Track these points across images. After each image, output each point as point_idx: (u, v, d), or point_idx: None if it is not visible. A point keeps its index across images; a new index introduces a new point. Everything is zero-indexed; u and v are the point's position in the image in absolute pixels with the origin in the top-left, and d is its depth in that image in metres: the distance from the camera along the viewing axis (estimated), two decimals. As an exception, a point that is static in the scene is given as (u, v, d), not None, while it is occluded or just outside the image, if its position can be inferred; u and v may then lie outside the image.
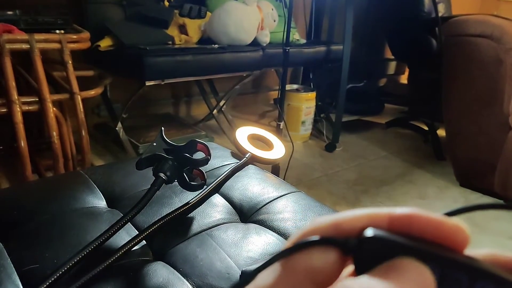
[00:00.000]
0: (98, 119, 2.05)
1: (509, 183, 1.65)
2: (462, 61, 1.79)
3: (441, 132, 2.14)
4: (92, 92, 1.37)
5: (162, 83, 1.62)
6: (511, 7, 3.69)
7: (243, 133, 0.92)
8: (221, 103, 2.19)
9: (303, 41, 2.17)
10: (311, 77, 2.49)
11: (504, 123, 1.63)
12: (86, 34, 1.30)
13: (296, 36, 2.12)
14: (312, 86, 2.35)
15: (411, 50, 2.49)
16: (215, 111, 2.21)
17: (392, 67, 3.07)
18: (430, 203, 1.71)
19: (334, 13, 2.52)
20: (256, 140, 0.94)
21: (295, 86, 2.30)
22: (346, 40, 2.03)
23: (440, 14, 2.41)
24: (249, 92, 2.63)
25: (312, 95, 2.17)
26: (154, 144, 0.63)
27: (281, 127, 1.72)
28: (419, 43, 2.43)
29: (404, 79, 3.13)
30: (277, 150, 0.92)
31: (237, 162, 0.83)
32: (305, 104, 2.14)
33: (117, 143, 1.85)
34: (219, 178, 0.74)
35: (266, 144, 0.96)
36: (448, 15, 2.51)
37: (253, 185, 0.77)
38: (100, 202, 0.69)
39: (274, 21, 1.89)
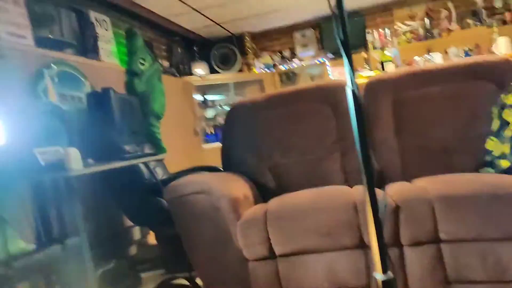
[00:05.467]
0: None
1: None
2: (190, 215, 2.01)
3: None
4: None
5: None
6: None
7: None
8: None
9: (31, 246, 1.98)
10: (52, 280, 2.25)
11: (242, 257, 1.88)
12: None
13: (21, 244, 1.92)
14: (57, 288, 2.11)
15: (146, 214, 2.64)
16: None
17: (136, 232, 3.15)
18: None
19: (60, 206, 2.45)
20: None
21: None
22: (80, 231, 1.98)
23: (161, 177, 2.71)
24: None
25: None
26: None
27: None
28: (151, 206, 2.62)
29: (153, 239, 3.23)
30: None
31: None
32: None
33: None
34: None
35: None
36: (168, 177, 2.83)
37: None
38: None
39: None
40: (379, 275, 0.66)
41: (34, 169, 1.99)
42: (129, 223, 2.96)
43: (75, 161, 1.92)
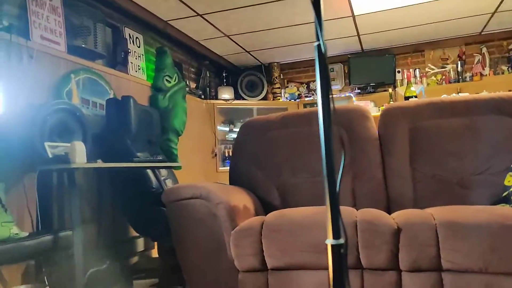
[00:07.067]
0: None
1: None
2: (186, 220, 1.95)
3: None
4: None
5: None
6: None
7: None
8: None
9: (25, 234, 1.98)
10: (43, 271, 2.23)
11: (232, 268, 1.80)
12: None
13: (14, 230, 1.92)
14: (46, 282, 2.08)
15: (148, 222, 2.61)
16: None
17: (140, 243, 3.10)
18: None
19: (62, 200, 2.46)
20: None
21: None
22: (75, 225, 1.97)
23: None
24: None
25: (47, 292, 1.91)
26: None
27: None
28: (154, 216, 2.58)
29: (156, 253, 3.18)
30: None
31: None
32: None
33: None
34: None
35: None
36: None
37: None
38: None
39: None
40: (329, 240, 0.59)
41: (41, 160, 2.03)
42: (134, 233, 2.93)
43: (80, 155, 1.94)
